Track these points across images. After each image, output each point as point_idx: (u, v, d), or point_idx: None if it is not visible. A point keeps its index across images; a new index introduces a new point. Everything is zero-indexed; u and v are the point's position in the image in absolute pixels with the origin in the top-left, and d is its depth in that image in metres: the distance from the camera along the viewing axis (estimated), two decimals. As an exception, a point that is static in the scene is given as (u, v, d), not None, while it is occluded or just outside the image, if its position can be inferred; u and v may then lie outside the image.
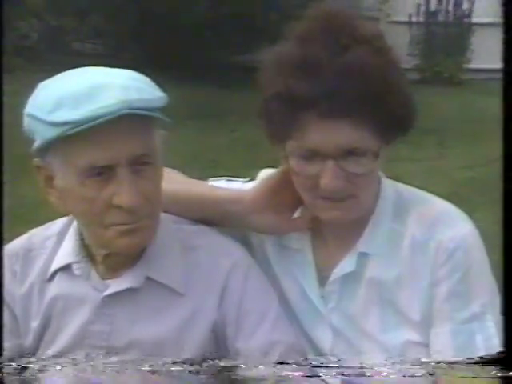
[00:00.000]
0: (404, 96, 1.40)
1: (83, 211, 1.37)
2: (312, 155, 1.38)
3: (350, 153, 1.37)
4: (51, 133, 1.29)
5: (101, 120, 1.26)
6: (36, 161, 1.38)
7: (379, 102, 1.35)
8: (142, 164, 1.34)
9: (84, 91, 1.29)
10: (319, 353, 1.50)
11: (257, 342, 1.43)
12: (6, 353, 1.43)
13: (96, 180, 1.32)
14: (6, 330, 1.47)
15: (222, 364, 1.37)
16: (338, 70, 1.33)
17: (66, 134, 1.27)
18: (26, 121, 1.34)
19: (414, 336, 1.46)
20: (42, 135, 1.32)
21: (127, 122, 1.29)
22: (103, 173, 1.32)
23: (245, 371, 1.35)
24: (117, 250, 1.41)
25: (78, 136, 1.27)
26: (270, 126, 1.43)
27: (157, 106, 1.34)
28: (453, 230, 1.46)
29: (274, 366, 1.33)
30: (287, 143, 1.41)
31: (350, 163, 1.37)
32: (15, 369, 1.33)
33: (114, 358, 1.40)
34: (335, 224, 1.50)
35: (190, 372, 1.32)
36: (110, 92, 1.28)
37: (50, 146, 1.32)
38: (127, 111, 1.27)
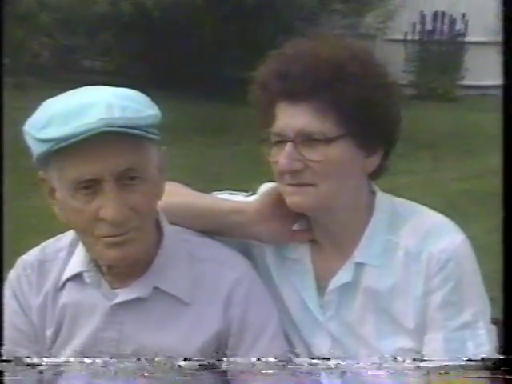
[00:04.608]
0: (367, 89, 1.44)
1: (76, 223, 1.42)
2: (279, 140, 1.48)
3: (308, 138, 1.45)
4: (40, 148, 1.36)
5: (79, 138, 1.31)
6: (40, 173, 1.44)
7: (337, 89, 1.43)
8: (129, 178, 1.38)
9: (73, 110, 1.34)
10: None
11: (253, 356, 1.46)
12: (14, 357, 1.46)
13: (84, 193, 1.37)
14: (24, 337, 1.53)
15: (223, 370, 1.40)
16: (301, 57, 1.45)
17: (51, 149, 1.34)
18: (25, 136, 1.40)
19: (407, 343, 1.50)
20: (34, 150, 1.39)
21: (111, 138, 1.34)
22: (90, 186, 1.37)
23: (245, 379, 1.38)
24: (106, 261, 1.45)
25: (68, 151, 1.34)
26: (257, 116, 1.54)
27: (143, 123, 1.37)
28: (445, 241, 1.49)
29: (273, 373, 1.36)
30: (266, 134, 1.50)
31: (307, 148, 1.45)
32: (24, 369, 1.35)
33: (122, 364, 1.42)
34: (329, 232, 1.55)
35: (192, 378, 1.35)
36: (93, 111, 1.33)
37: (49, 160, 1.38)
38: (106, 129, 1.32)
